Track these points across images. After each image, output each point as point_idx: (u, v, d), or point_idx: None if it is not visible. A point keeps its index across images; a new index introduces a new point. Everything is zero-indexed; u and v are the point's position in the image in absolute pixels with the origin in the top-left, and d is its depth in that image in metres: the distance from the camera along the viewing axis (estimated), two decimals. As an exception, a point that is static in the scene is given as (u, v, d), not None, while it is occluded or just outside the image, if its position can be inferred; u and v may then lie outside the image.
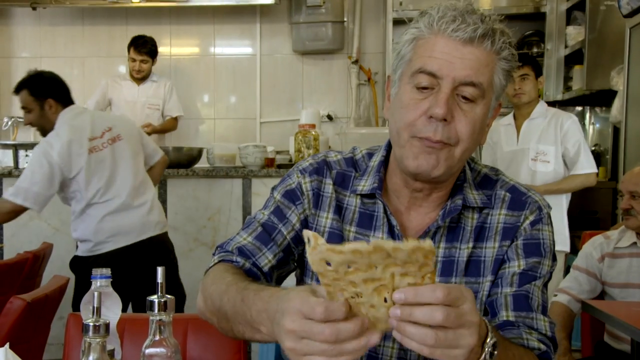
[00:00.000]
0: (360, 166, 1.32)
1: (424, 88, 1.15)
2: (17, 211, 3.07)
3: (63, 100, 3.15)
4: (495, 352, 0.96)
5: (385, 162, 1.29)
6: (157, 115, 5.05)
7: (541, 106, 3.64)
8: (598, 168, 4.68)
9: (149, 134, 4.37)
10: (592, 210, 4.44)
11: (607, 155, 4.81)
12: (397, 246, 0.82)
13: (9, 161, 4.28)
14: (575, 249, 3.43)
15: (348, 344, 0.86)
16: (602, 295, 2.71)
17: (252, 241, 1.28)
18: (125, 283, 2.45)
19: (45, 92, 3.13)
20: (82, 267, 3.13)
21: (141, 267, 3.08)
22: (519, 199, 1.27)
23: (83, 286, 3.04)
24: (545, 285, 1.24)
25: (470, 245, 1.24)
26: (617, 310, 2.21)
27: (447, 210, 1.23)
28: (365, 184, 1.28)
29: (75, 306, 2.94)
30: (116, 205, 3.12)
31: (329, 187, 1.29)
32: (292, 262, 1.32)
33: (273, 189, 1.35)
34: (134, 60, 4.86)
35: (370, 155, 1.33)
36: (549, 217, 1.28)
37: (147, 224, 3.20)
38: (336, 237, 1.26)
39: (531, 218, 1.25)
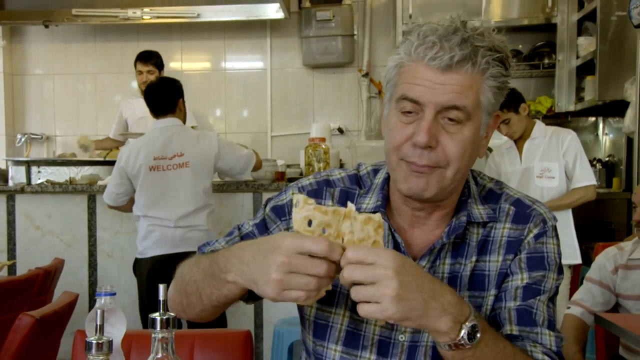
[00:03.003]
0: (365, 183, 1.31)
1: (409, 112, 1.15)
2: (111, 207, 3.64)
3: (153, 110, 3.52)
4: (478, 336, 1.03)
5: (389, 179, 1.28)
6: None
7: (539, 126, 3.69)
8: (612, 179, 4.68)
9: None
10: (606, 221, 4.40)
11: (621, 166, 4.76)
12: (354, 215, 1.03)
13: (21, 177, 4.31)
14: (588, 261, 3.40)
15: (325, 280, 1.00)
16: (616, 308, 2.67)
17: None
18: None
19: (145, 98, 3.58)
20: (136, 267, 3.55)
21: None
22: (523, 212, 1.25)
23: (140, 285, 3.51)
24: (550, 299, 1.22)
25: (474, 259, 1.23)
26: (631, 323, 2.17)
27: (452, 227, 1.22)
28: (369, 202, 1.27)
29: (141, 307, 3.49)
30: (158, 222, 3.41)
31: None
32: None
33: (268, 200, 1.35)
34: (140, 72, 4.92)
35: (375, 171, 1.32)
36: (555, 229, 1.26)
37: (186, 240, 3.43)
38: None
39: (535, 231, 1.23)
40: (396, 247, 1.24)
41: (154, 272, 3.40)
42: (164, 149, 3.41)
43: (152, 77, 4.93)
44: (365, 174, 1.33)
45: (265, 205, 1.34)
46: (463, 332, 1.02)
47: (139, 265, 3.51)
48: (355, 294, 0.98)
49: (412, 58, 1.14)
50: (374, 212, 1.23)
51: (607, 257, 2.69)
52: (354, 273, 0.98)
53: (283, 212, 1.30)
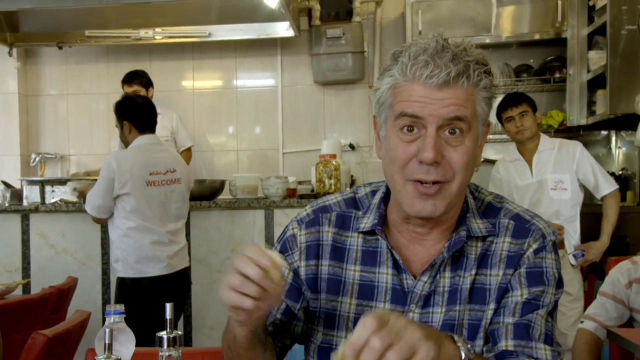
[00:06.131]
0: (364, 204, 1.34)
1: (410, 129, 1.16)
2: (95, 219, 3.51)
3: (139, 126, 3.49)
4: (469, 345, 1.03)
5: (386, 199, 1.31)
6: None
7: (544, 138, 3.73)
8: (626, 192, 4.65)
9: None
10: (621, 235, 4.36)
11: (635, 180, 4.73)
12: None
13: (35, 197, 4.35)
14: (602, 275, 3.38)
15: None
16: (630, 322, 2.65)
17: None
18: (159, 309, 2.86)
19: (123, 115, 3.50)
20: (130, 289, 3.38)
21: (173, 296, 3.44)
22: (522, 226, 1.26)
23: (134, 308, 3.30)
24: (550, 314, 1.22)
25: (473, 272, 1.24)
26: (645, 338, 2.14)
27: (453, 242, 1.23)
28: (367, 222, 1.29)
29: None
30: (157, 238, 3.39)
31: (326, 234, 1.31)
32: (297, 325, 1.32)
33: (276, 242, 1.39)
34: (127, 94, 4.96)
35: (374, 192, 1.35)
36: (554, 244, 1.26)
37: (179, 257, 3.51)
38: (333, 282, 1.29)
39: (534, 246, 1.24)
40: (395, 264, 1.25)
41: (159, 292, 3.37)
42: (158, 163, 3.46)
43: None
44: (364, 195, 1.35)
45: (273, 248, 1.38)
46: (461, 346, 1.02)
47: (140, 286, 3.38)
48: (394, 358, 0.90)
49: (408, 78, 1.16)
50: (371, 231, 1.27)
51: (620, 271, 2.67)
52: (378, 341, 0.89)
53: (285, 248, 1.34)
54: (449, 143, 1.16)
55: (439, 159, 1.14)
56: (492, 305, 1.22)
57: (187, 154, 5.19)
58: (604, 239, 3.65)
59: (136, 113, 3.50)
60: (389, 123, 1.21)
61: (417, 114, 1.14)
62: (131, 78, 4.94)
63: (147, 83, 4.98)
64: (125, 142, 3.54)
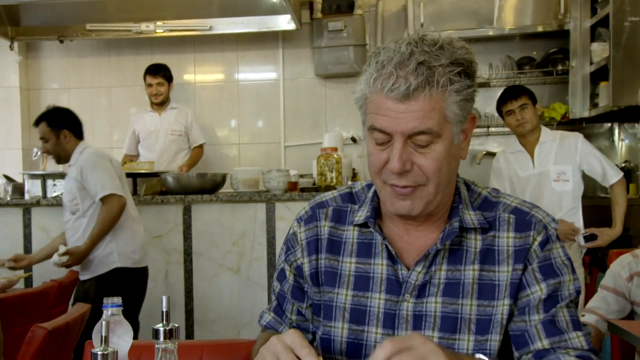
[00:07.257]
0: (360, 198, 1.37)
1: (381, 143, 1.19)
2: (120, 205, 3.37)
3: (77, 133, 3.54)
4: None
5: None
6: (179, 140, 5.13)
7: (545, 130, 3.74)
8: (629, 185, 4.64)
9: (187, 170, 4.88)
10: (624, 227, 4.35)
11: (638, 172, 4.72)
12: None
13: (37, 191, 4.35)
14: (604, 268, 3.37)
15: None
16: (631, 315, 2.64)
17: (274, 316, 1.39)
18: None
19: (63, 124, 3.50)
20: (130, 278, 3.49)
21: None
22: (523, 219, 1.26)
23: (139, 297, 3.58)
24: (572, 301, 1.24)
25: (477, 267, 1.24)
26: (646, 331, 2.14)
27: (446, 233, 1.24)
28: (361, 214, 1.31)
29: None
30: (141, 227, 3.61)
31: (323, 229, 1.35)
32: (310, 322, 1.37)
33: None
34: (150, 85, 5.03)
35: (369, 186, 1.37)
36: (556, 233, 1.27)
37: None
38: (330, 274, 1.32)
39: (539, 239, 1.24)
40: (389, 255, 1.27)
41: (142, 282, 3.61)
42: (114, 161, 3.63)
43: (162, 89, 5.02)
44: (360, 189, 1.38)
45: (281, 249, 1.42)
46: None
47: (137, 275, 3.55)
48: None
49: (373, 90, 1.16)
50: (365, 224, 1.29)
51: (621, 265, 2.66)
52: None
53: (288, 247, 1.38)
54: (417, 151, 1.17)
55: (407, 167, 1.16)
56: (507, 301, 1.22)
57: (199, 150, 5.23)
58: (619, 227, 3.66)
59: (74, 121, 3.57)
60: (365, 128, 1.23)
61: (384, 129, 1.16)
62: (157, 70, 5.01)
63: (170, 77, 5.05)
64: (64, 151, 3.51)
